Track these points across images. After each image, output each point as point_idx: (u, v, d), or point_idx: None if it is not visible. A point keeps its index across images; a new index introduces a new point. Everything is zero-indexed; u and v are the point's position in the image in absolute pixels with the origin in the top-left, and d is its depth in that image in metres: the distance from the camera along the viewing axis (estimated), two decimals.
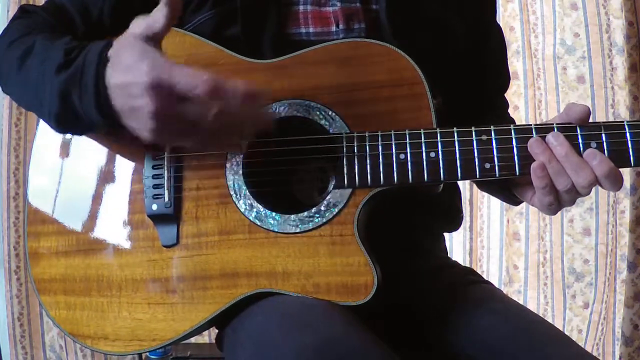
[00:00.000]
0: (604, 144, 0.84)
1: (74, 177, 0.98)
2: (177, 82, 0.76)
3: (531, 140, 0.85)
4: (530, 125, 0.87)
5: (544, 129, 0.86)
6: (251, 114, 0.83)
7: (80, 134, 0.95)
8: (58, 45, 0.88)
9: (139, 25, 0.81)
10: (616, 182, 0.84)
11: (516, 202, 1.03)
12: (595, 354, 2.14)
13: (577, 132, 0.85)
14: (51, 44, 0.90)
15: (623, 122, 0.85)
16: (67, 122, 0.87)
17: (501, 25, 1.67)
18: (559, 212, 0.93)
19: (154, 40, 0.81)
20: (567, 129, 0.86)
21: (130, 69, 0.79)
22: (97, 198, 0.96)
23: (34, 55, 0.90)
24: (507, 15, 2.33)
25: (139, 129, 0.82)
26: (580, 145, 0.85)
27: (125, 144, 0.95)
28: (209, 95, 0.76)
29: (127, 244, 0.94)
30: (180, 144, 0.88)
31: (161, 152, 0.93)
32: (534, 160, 0.85)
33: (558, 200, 0.87)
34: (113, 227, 0.95)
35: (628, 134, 0.84)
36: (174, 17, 0.80)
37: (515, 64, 2.30)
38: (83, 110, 0.83)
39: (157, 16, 0.80)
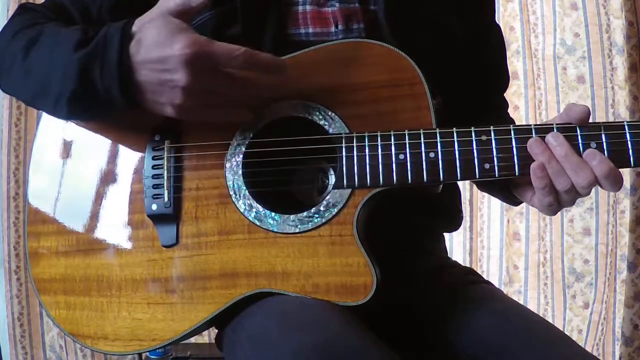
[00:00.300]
0: (604, 144, 0.84)
1: (73, 177, 0.98)
2: (218, 55, 0.80)
3: (531, 140, 0.85)
4: (530, 125, 0.86)
5: (543, 129, 0.86)
6: (272, 83, 0.87)
7: (87, 117, 0.95)
8: (71, 29, 0.89)
9: (172, 0, 0.83)
10: (616, 183, 0.84)
11: (516, 202, 1.03)
12: (595, 354, 2.13)
13: (576, 132, 0.85)
14: (60, 31, 0.91)
15: (623, 122, 0.85)
16: (82, 100, 0.87)
17: (501, 25, 1.68)
18: (559, 212, 0.93)
19: (187, 16, 0.84)
20: (566, 129, 0.85)
21: (163, 43, 0.81)
22: (97, 198, 0.96)
23: (41, 43, 0.91)
24: (507, 15, 2.33)
25: (163, 104, 0.84)
26: (580, 146, 0.85)
27: (128, 132, 0.96)
28: (244, 66, 0.81)
29: (127, 244, 0.94)
30: (201, 118, 0.89)
31: (161, 144, 0.93)
32: (534, 161, 0.85)
33: (558, 200, 0.87)
34: (113, 227, 0.95)
35: (628, 134, 0.84)
36: None
37: (515, 64, 2.30)
38: (103, 85, 0.84)
39: None
